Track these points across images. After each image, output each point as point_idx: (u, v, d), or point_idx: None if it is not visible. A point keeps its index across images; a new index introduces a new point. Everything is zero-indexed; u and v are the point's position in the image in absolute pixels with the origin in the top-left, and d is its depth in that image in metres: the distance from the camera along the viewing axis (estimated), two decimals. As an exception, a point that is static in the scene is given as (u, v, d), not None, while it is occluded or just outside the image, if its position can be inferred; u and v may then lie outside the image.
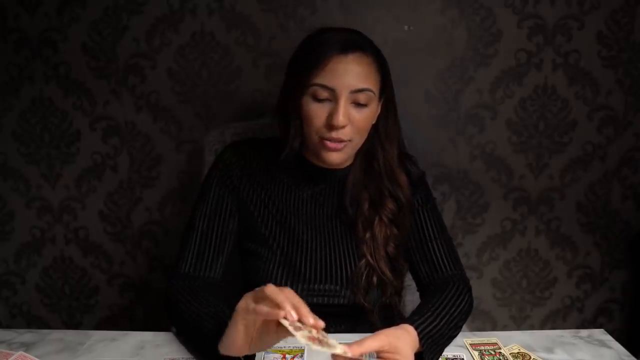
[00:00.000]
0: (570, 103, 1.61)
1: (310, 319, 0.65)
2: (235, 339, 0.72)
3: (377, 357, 0.75)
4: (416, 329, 0.81)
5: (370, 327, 1.00)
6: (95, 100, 1.61)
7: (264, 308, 0.66)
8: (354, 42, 0.91)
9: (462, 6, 1.53)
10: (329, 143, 0.91)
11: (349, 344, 0.69)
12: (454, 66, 1.57)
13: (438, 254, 1.01)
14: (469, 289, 0.98)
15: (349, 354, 0.67)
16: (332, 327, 1.01)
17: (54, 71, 1.59)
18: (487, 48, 1.56)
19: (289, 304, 0.65)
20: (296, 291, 0.95)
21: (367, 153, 1.00)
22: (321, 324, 0.66)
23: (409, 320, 0.83)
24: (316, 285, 0.97)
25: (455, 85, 1.59)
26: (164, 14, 1.54)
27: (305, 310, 0.66)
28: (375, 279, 0.98)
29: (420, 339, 0.80)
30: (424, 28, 1.55)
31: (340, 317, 1.01)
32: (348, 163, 1.01)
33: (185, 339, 0.88)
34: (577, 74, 1.59)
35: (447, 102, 1.60)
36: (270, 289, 0.67)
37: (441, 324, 0.85)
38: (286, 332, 0.66)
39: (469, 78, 1.58)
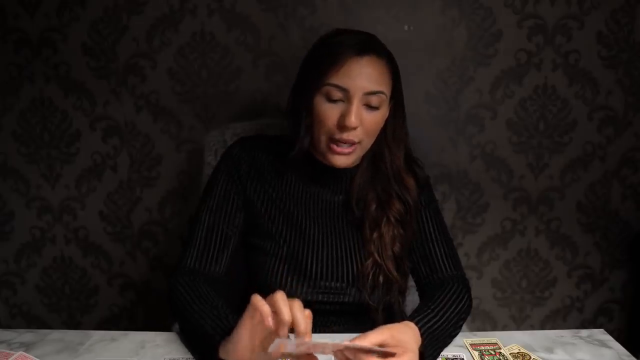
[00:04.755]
0: (570, 103, 1.61)
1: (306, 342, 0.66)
2: (238, 342, 0.72)
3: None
4: (417, 324, 0.81)
5: (373, 325, 1.00)
6: (95, 100, 1.61)
7: (265, 308, 0.67)
8: (370, 45, 0.92)
9: (462, 6, 1.53)
10: (337, 147, 0.92)
11: (353, 338, 0.69)
12: (454, 66, 1.57)
13: (438, 255, 1.01)
14: (468, 290, 0.98)
15: (351, 345, 0.68)
16: (335, 324, 1.01)
17: (54, 71, 1.59)
18: (487, 48, 1.56)
19: (287, 315, 0.66)
20: (302, 288, 0.96)
21: (374, 155, 1.01)
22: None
23: (410, 318, 0.83)
24: (322, 282, 0.98)
25: (455, 85, 1.59)
26: (164, 14, 1.54)
27: (304, 326, 0.66)
28: (381, 278, 0.98)
29: (422, 335, 0.80)
30: (424, 28, 1.55)
31: (343, 315, 1.01)
32: (356, 162, 1.01)
33: (186, 338, 0.88)
34: (577, 74, 1.59)
35: (447, 102, 1.60)
36: (279, 295, 0.68)
37: (441, 321, 0.85)
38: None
39: (469, 78, 1.58)
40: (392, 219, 0.99)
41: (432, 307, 0.88)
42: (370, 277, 0.97)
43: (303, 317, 0.67)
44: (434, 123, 1.61)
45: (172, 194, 1.68)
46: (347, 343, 0.68)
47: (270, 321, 0.66)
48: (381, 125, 0.96)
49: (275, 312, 0.67)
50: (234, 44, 1.55)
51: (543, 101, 1.60)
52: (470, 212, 1.69)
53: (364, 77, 0.89)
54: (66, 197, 1.70)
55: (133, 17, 1.54)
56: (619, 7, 1.54)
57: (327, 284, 0.98)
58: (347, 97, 0.90)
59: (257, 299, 0.69)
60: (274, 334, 0.69)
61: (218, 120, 1.59)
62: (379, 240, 0.98)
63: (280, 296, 0.68)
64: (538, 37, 1.55)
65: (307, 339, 0.66)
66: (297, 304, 0.68)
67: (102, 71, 1.59)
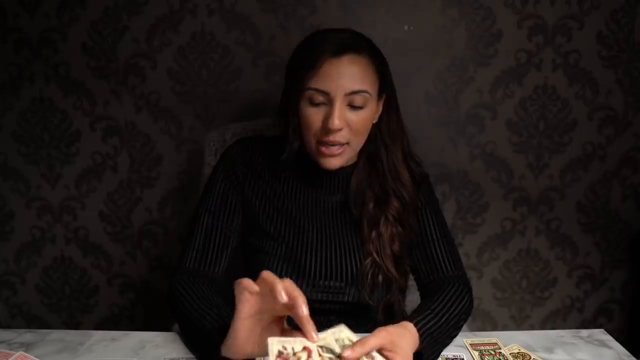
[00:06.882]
0: (570, 103, 1.61)
1: (304, 308, 0.63)
2: (237, 335, 0.71)
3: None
4: (416, 325, 0.81)
5: (374, 325, 1.00)
6: (95, 100, 1.61)
7: (249, 282, 0.67)
8: (348, 45, 0.90)
9: (462, 6, 1.53)
10: (325, 149, 0.91)
11: (350, 347, 0.69)
12: (454, 66, 1.57)
13: (439, 254, 1.01)
14: (469, 290, 0.98)
15: (352, 356, 0.67)
16: (335, 324, 1.01)
17: (54, 71, 1.59)
18: (487, 48, 1.56)
19: (280, 286, 0.64)
20: (300, 286, 0.95)
21: (370, 153, 1.01)
22: (314, 338, 0.63)
23: (409, 318, 0.83)
24: (321, 282, 0.98)
25: (455, 85, 1.59)
26: (164, 14, 1.54)
27: (300, 299, 0.64)
28: (380, 277, 0.98)
29: (420, 336, 0.80)
30: (424, 28, 1.55)
31: (343, 315, 1.01)
32: (352, 161, 1.01)
33: (187, 337, 0.88)
34: (577, 74, 1.59)
35: (447, 102, 1.60)
36: (268, 272, 0.67)
37: (441, 322, 0.85)
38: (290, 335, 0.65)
39: (469, 78, 1.58)
40: (391, 218, 0.99)
41: (432, 307, 0.87)
42: (369, 277, 0.97)
43: (297, 288, 0.65)
44: (434, 123, 1.61)
45: (172, 194, 1.68)
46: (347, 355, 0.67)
47: (256, 288, 0.66)
48: (370, 123, 0.96)
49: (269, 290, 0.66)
50: (234, 44, 1.55)
51: (543, 101, 1.60)
52: (470, 212, 1.69)
53: (343, 78, 0.88)
54: (66, 197, 1.70)
55: (133, 17, 1.54)
56: (619, 7, 1.54)
57: (326, 283, 0.98)
58: (328, 100, 0.89)
59: (241, 279, 0.68)
60: (274, 325, 0.68)
61: (218, 120, 1.59)
62: (377, 240, 0.98)
63: (266, 272, 0.67)
64: (538, 37, 1.55)
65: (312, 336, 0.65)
66: (288, 280, 0.67)
67: (102, 71, 1.59)
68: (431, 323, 0.84)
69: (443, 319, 0.86)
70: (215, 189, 1.00)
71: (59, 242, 1.74)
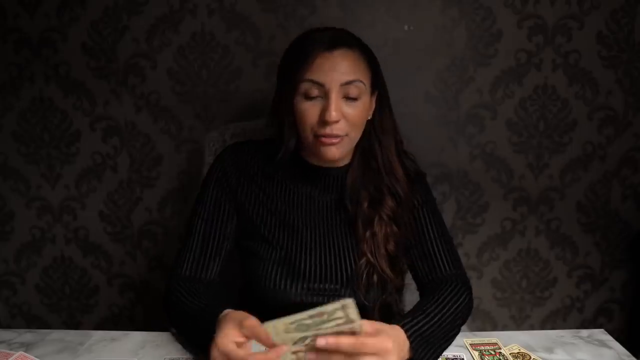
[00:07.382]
0: (570, 103, 1.61)
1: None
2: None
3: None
4: (403, 327, 0.79)
5: None
6: (95, 100, 1.61)
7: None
8: (340, 39, 0.92)
9: (462, 6, 1.53)
10: (324, 139, 0.91)
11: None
12: (454, 66, 1.57)
13: (437, 254, 1.00)
14: (468, 289, 0.97)
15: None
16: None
17: (54, 71, 1.59)
18: (487, 48, 1.56)
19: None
20: (296, 290, 0.97)
21: (364, 150, 1.01)
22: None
23: (397, 321, 0.81)
24: (316, 285, 0.97)
25: (455, 85, 1.59)
26: (164, 14, 1.54)
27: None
28: (375, 277, 0.98)
29: (408, 338, 0.78)
30: (424, 28, 1.55)
31: None
32: (346, 161, 1.01)
33: (187, 337, 0.88)
34: (577, 74, 1.59)
35: (447, 102, 1.60)
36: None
37: (432, 322, 0.84)
38: None
39: (469, 78, 1.58)
40: (385, 217, 0.99)
41: (424, 308, 0.87)
42: (364, 277, 0.97)
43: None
44: (434, 123, 1.61)
45: (172, 194, 1.68)
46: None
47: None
48: (366, 117, 0.96)
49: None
50: (234, 44, 1.55)
51: (543, 101, 1.60)
52: (470, 212, 1.69)
53: (337, 70, 0.89)
54: (66, 197, 1.70)
55: (133, 17, 1.54)
56: (619, 7, 1.54)
57: (322, 285, 0.98)
58: (324, 93, 0.90)
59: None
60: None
61: (218, 120, 1.59)
62: (371, 239, 0.98)
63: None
64: (538, 37, 1.55)
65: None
66: (249, 322, 0.70)
67: (102, 71, 1.59)
68: (421, 324, 0.82)
69: (435, 319, 0.85)
70: (208, 196, 1.01)
71: (59, 242, 1.74)
